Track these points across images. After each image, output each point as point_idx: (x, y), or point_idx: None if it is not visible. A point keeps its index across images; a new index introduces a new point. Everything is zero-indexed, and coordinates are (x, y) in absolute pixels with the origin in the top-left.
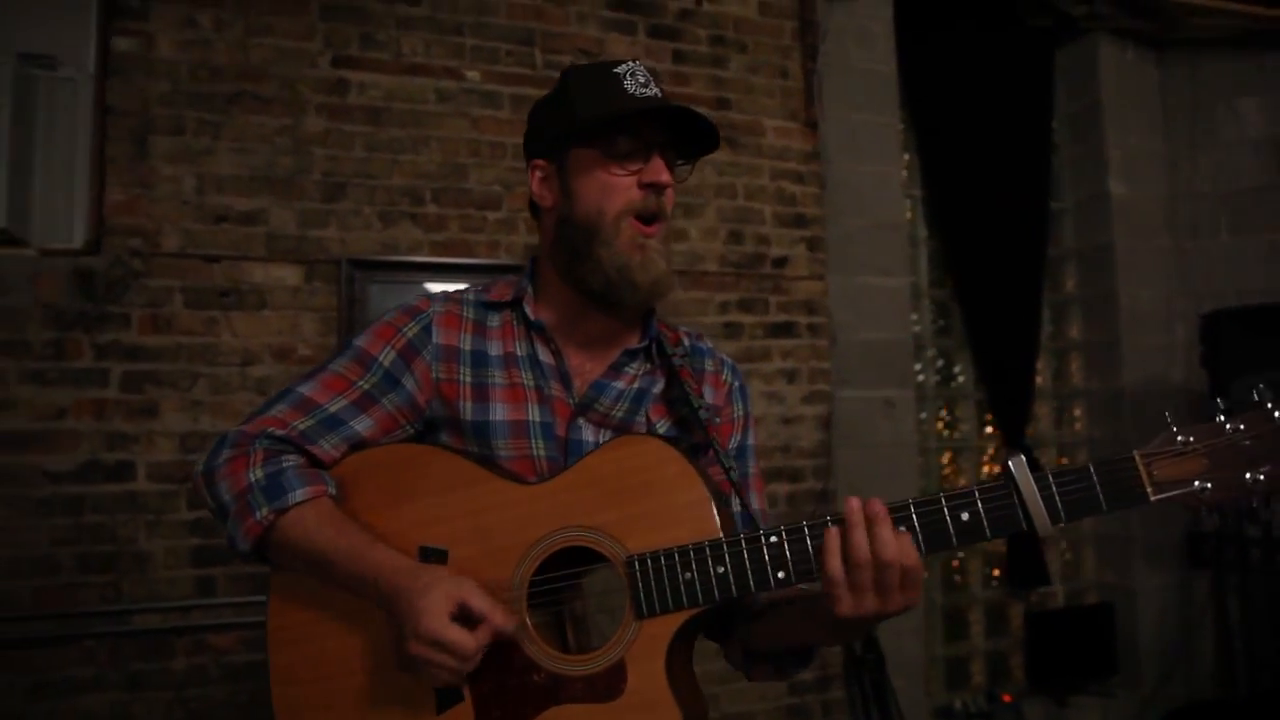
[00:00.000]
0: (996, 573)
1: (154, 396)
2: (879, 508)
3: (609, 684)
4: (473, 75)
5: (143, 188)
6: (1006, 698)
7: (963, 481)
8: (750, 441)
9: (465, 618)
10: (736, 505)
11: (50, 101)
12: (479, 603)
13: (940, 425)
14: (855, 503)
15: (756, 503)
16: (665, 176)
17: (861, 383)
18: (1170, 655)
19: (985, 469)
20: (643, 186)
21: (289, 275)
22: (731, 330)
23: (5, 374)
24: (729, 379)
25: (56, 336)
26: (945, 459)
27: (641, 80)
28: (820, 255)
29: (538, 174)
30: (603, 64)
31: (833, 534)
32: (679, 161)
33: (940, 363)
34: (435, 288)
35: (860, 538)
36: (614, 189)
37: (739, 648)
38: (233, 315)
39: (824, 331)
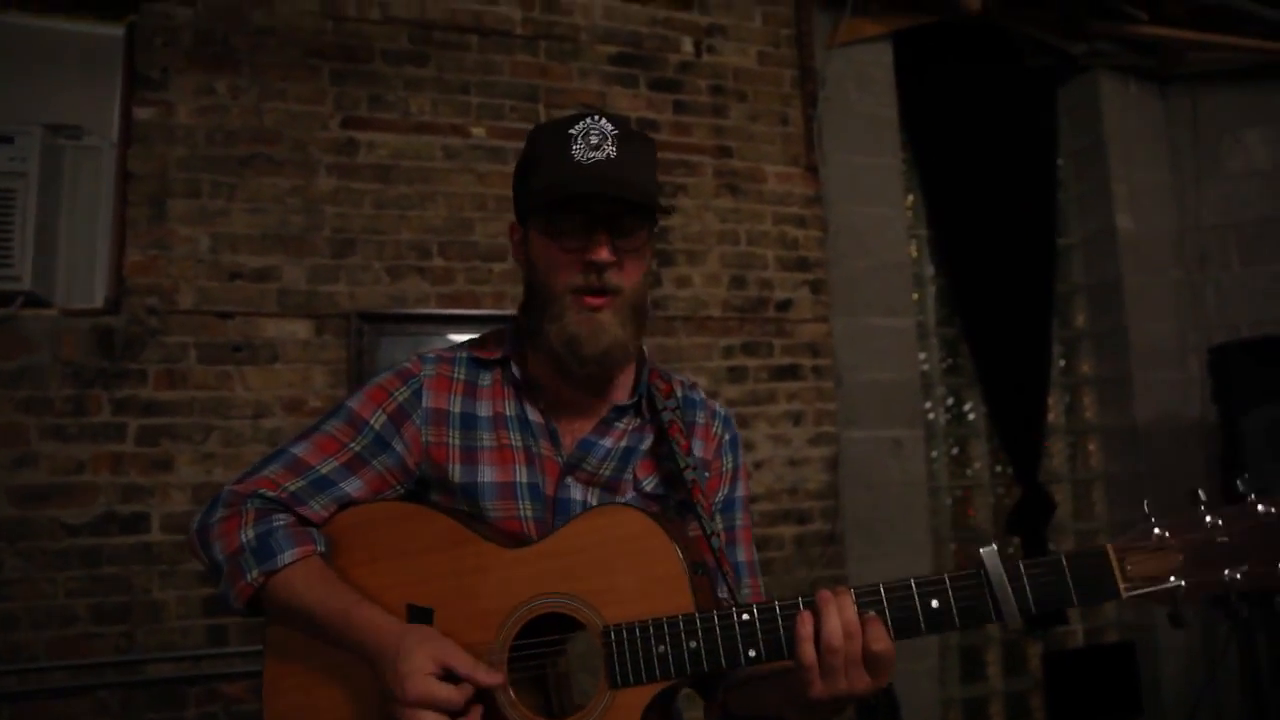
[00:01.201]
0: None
1: (169, 450)
2: (848, 597)
3: None
4: (478, 132)
5: (160, 248)
6: None
7: (975, 518)
8: (739, 494)
9: (449, 678)
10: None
11: (75, 169)
12: (461, 663)
13: (951, 463)
14: (826, 592)
15: (743, 555)
16: (603, 255)
17: (868, 423)
18: (1196, 696)
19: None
20: (584, 266)
21: (300, 329)
22: (736, 374)
23: (27, 430)
24: (719, 431)
25: (76, 393)
26: (951, 498)
27: (594, 141)
28: (824, 297)
29: (515, 236)
30: (563, 122)
31: (806, 619)
32: (647, 224)
33: (950, 401)
34: (452, 338)
35: (834, 624)
36: (557, 267)
37: (718, 711)
38: (245, 369)
39: (829, 373)
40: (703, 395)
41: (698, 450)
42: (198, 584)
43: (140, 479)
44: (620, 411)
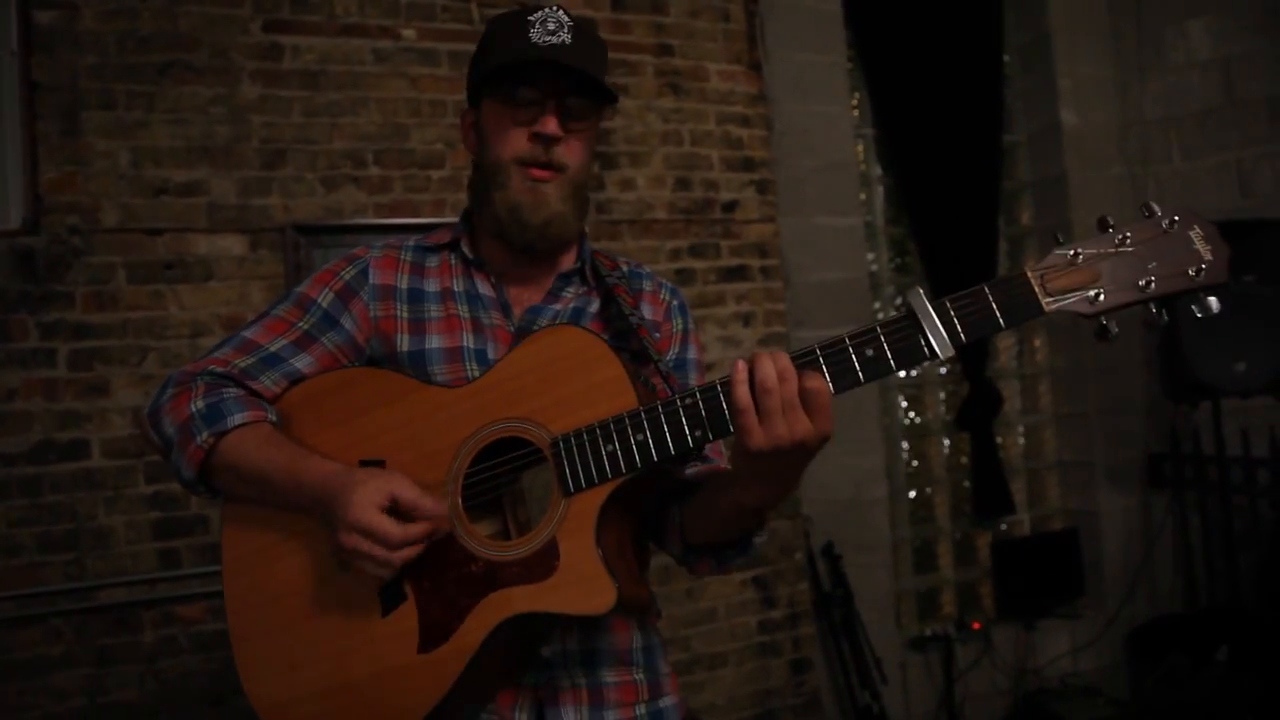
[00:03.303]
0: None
1: (104, 373)
2: (783, 352)
3: (543, 563)
4: (409, 34)
5: (77, 164)
6: (976, 625)
7: (925, 414)
8: (691, 356)
9: (396, 511)
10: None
11: None
12: (408, 493)
13: None
14: (762, 351)
15: None
16: (551, 128)
17: (818, 323)
18: (1133, 574)
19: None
20: (532, 137)
21: (234, 245)
22: (684, 277)
23: None
24: (666, 298)
25: None
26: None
27: (550, 28)
28: (770, 198)
29: (467, 121)
30: (521, 11)
31: (741, 367)
32: (596, 110)
33: (899, 300)
34: None
35: (767, 367)
36: (508, 138)
37: (678, 539)
38: (179, 288)
39: (777, 274)
40: (648, 270)
41: (647, 314)
42: (145, 508)
43: (76, 404)
44: (566, 279)
